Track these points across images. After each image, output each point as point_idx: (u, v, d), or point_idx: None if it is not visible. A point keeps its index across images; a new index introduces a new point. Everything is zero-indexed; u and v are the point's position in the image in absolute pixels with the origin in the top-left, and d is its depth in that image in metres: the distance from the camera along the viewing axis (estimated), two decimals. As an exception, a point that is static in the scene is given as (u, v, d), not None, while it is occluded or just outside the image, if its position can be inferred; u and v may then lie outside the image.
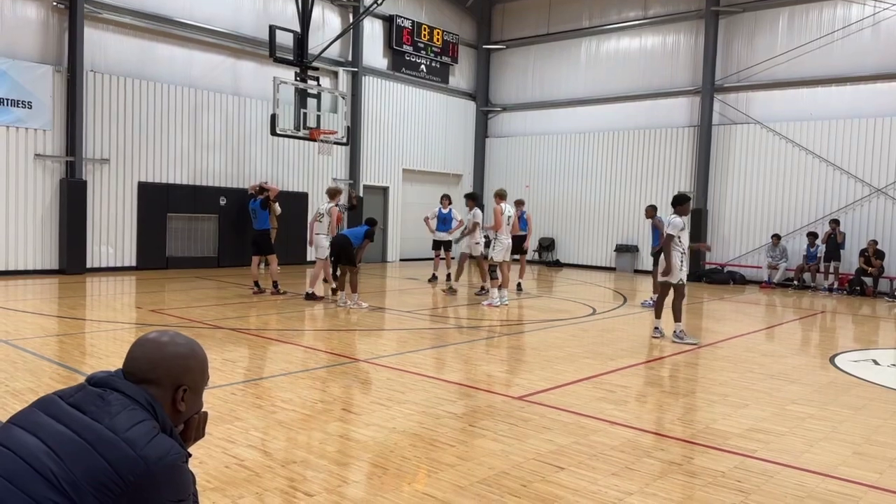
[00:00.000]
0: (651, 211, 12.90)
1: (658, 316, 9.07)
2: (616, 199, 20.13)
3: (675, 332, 8.85)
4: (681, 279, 8.87)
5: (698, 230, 18.26)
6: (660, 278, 9.09)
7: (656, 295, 12.29)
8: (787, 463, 4.44)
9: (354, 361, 7.13)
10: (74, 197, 13.97)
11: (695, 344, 8.64)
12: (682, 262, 8.86)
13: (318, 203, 17.33)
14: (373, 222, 11.53)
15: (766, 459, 4.48)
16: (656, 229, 12.50)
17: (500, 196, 12.07)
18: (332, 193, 12.15)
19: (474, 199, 13.12)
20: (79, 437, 1.65)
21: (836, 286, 15.84)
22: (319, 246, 11.87)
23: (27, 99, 13.46)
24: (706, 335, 9.77)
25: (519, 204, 14.04)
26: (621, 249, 19.75)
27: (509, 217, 12.08)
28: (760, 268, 17.15)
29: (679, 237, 8.83)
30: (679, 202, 8.95)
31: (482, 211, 13.55)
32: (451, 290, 13.07)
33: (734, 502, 3.78)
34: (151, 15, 15.09)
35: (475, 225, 12.87)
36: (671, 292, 8.97)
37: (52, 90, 13.76)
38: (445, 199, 15.37)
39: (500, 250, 11.81)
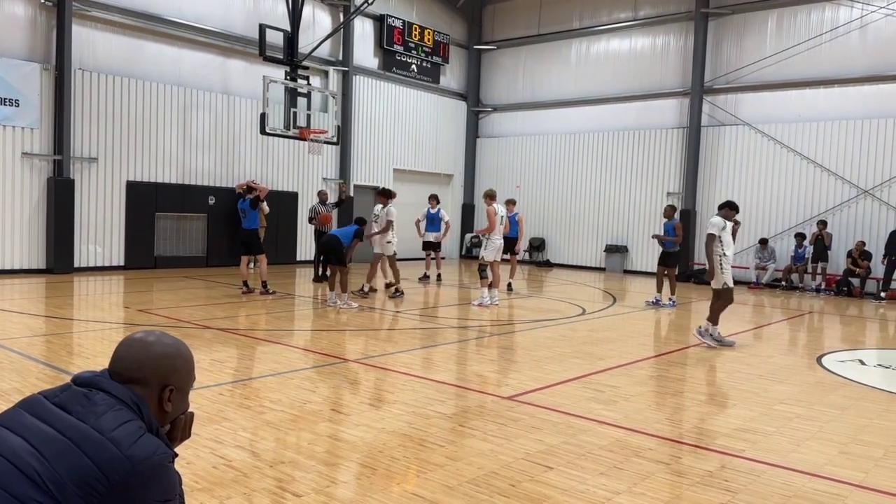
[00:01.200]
0: (670, 211, 12.93)
1: (714, 322, 8.69)
2: (606, 200, 20.20)
3: (700, 327, 8.69)
4: (725, 283, 8.55)
5: (687, 231, 18.35)
6: (713, 285, 8.76)
7: (660, 293, 12.49)
8: (774, 462, 4.46)
9: (344, 362, 7.12)
10: (62, 196, 13.87)
11: (716, 345, 8.46)
12: (723, 264, 8.52)
13: (308, 202, 17.34)
14: (362, 221, 11.53)
15: (753, 459, 4.51)
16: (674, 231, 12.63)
17: (491, 197, 12.05)
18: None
19: (387, 196, 12.60)
20: (64, 436, 1.64)
21: (823, 287, 15.96)
22: (381, 245, 12.37)
23: (14, 97, 13.35)
24: (694, 335, 9.81)
25: (510, 204, 14.05)
26: (611, 250, 19.82)
27: (502, 217, 12.09)
28: (748, 268, 17.25)
29: (720, 237, 8.52)
30: (727, 206, 8.71)
31: (395, 208, 12.72)
32: (364, 293, 12.31)
33: (721, 502, 3.80)
34: (140, 13, 15.00)
35: (388, 223, 12.36)
36: (722, 297, 8.64)
37: (39, 88, 13.66)
38: (433, 200, 15.39)
39: (492, 250, 11.82)
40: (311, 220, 14.65)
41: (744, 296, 15.26)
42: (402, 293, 12.33)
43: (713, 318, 8.64)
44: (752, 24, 17.66)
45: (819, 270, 15.95)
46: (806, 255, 16.28)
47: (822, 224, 15.96)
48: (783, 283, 16.67)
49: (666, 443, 4.83)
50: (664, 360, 7.89)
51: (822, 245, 15.80)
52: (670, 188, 18.92)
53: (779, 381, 6.87)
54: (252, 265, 12.54)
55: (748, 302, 14.23)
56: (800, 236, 16.35)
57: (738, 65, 17.79)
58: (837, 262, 16.01)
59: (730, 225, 8.73)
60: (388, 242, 12.57)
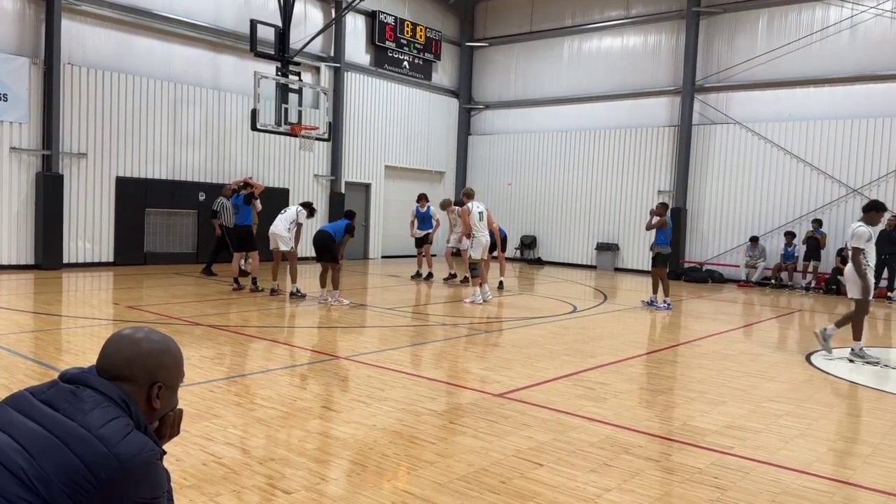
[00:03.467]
0: (662, 209, 12.50)
1: (857, 338, 7.99)
2: (597, 198, 20.23)
3: (852, 350, 8.01)
4: (865, 294, 7.92)
5: (678, 229, 18.43)
6: (856, 295, 8.05)
7: (655, 294, 12.38)
8: (763, 459, 4.49)
9: (335, 359, 7.11)
10: (51, 191, 13.77)
11: (874, 361, 7.85)
12: (868, 276, 7.93)
13: (300, 197, 17.26)
14: (351, 215, 11.43)
15: (742, 456, 4.53)
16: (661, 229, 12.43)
17: (468, 195, 12.03)
18: (444, 205, 13.98)
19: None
20: (51, 434, 1.63)
21: (813, 285, 16.05)
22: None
23: (2, 91, 13.24)
24: (685, 333, 9.86)
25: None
26: (602, 248, 19.86)
27: (480, 213, 12.04)
28: (738, 266, 17.33)
29: (866, 250, 7.87)
30: (872, 208, 8.03)
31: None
32: (277, 293, 11.57)
33: (711, 498, 3.82)
34: (130, 7, 14.89)
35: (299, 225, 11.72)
36: (864, 309, 8.02)
37: (28, 83, 13.54)
38: (423, 199, 15.37)
39: (478, 248, 11.82)
40: (214, 214, 14.22)
41: (734, 293, 15.33)
42: (300, 292, 11.50)
43: (858, 335, 8.00)
44: (744, 23, 17.72)
45: (811, 269, 16.03)
46: (795, 254, 16.36)
47: (817, 223, 16.04)
48: (773, 281, 16.76)
49: (656, 440, 4.84)
50: (654, 357, 7.92)
51: (814, 244, 15.88)
52: (661, 186, 18.98)
53: (768, 378, 6.91)
54: (243, 262, 12.50)
55: (738, 300, 14.30)
56: (789, 235, 16.44)
57: (729, 63, 17.85)
58: (827, 260, 16.10)
59: (876, 231, 8.08)
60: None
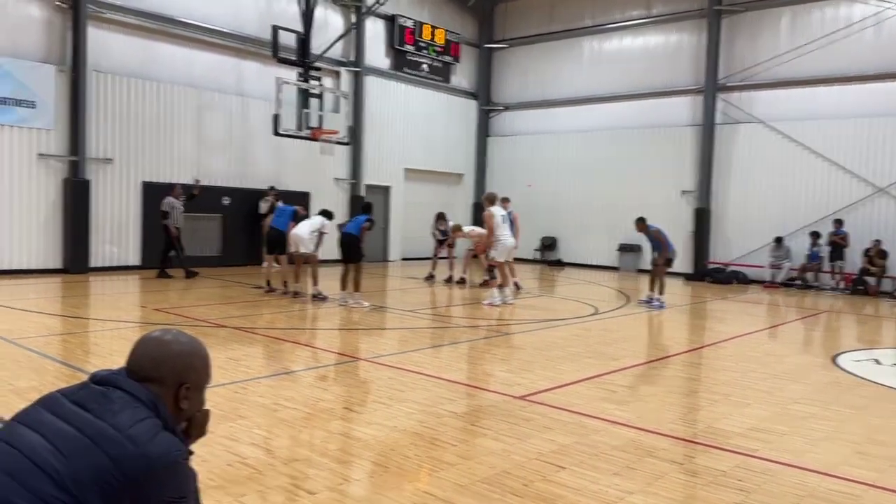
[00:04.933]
0: (641, 224, 12.42)
1: None
2: (619, 199, 20.07)
3: None
4: None
5: (702, 230, 18.27)
6: None
7: (652, 293, 12.35)
8: (788, 462, 4.44)
9: (356, 360, 7.15)
10: (78, 196, 14.00)
11: None
12: None
13: (320, 203, 17.41)
14: (369, 208, 11.58)
15: (767, 459, 4.49)
16: (655, 240, 12.40)
17: (490, 200, 11.97)
18: (454, 230, 14.13)
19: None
20: (82, 434, 1.67)
21: (839, 286, 15.81)
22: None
23: (30, 98, 13.49)
24: (709, 335, 9.78)
25: (505, 202, 14.06)
26: (624, 249, 19.73)
27: (504, 216, 11.99)
28: (763, 267, 17.13)
29: None
30: None
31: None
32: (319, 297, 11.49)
33: (735, 502, 3.79)
34: (154, 14, 15.12)
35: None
36: None
37: (55, 90, 13.79)
38: (441, 220, 15.34)
39: (502, 251, 11.77)
40: (164, 215, 13.77)
41: (758, 294, 15.16)
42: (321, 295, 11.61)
43: None
44: (766, 21, 17.53)
45: (836, 269, 15.81)
46: (821, 254, 16.14)
47: (838, 223, 15.82)
48: (798, 281, 16.54)
49: (679, 443, 4.81)
50: (678, 359, 7.86)
51: (838, 245, 15.66)
52: (684, 186, 18.82)
53: (793, 380, 6.83)
54: (275, 264, 12.63)
55: (763, 301, 14.14)
56: (815, 235, 16.22)
57: (751, 62, 17.66)
58: (854, 260, 15.86)
59: None
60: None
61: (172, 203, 13.89)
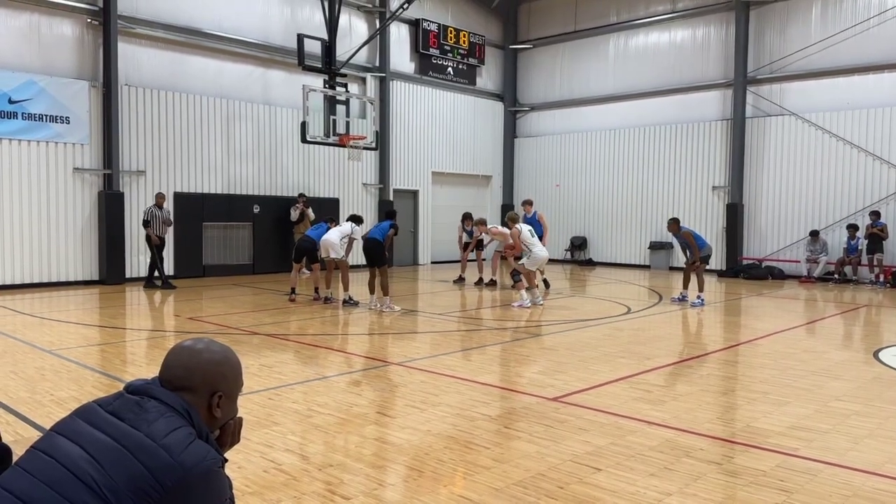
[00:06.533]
0: (674, 225, 12.26)
1: None
2: (649, 196, 19.89)
3: None
4: None
5: (734, 225, 17.98)
6: None
7: (685, 291, 12.21)
8: (831, 461, 4.33)
9: (388, 365, 7.16)
10: (112, 209, 14.28)
11: None
12: None
13: (350, 209, 17.53)
14: (393, 214, 11.71)
15: (809, 458, 4.38)
16: (685, 241, 12.26)
17: (513, 220, 11.89)
18: (478, 223, 14.25)
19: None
20: (118, 444, 1.69)
21: (879, 279, 15.43)
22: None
23: (65, 114, 13.81)
24: (745, 332, 9.61)
25: (527, 205, 14.01)
26: (655, 247, 19.51)
27: (530, 230, 11.88)
28: (799, 262, 16.79)
29: None
30: None
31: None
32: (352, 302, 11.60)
33: (777, 502, 3.70)
34: (183, 28, 15.37)
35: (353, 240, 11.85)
36: None
37: (88, 105, 14.10)
38: (468, 219, 15.32)
39: (535, 261, 11.63)
40: (146, 223, 13.70)
41: (795, 290, 14.86)
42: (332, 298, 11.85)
43: None
44: (796, 11, 17.21)
45: (875, 262, 15.43)
46: (859, 247, 15.77)
47: (876, 215, 15.45)
48: (836, 276, 16.18)
49: (717, 442, 4.73)
50: (714, 357, 7.73)
51: (876, 236, 15.29)
52: (715, 182, 18.56)
53: (834, 377, 6.67)
54: (306, 271, 12.72)
55: (800, 296, 13.85)
56: (852, 227, 15.84)
57: (781, 53, 17.35)
58: (893, 252, 15.46)
59: None
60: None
61: (155, 212, 13.74)
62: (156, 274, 13.86)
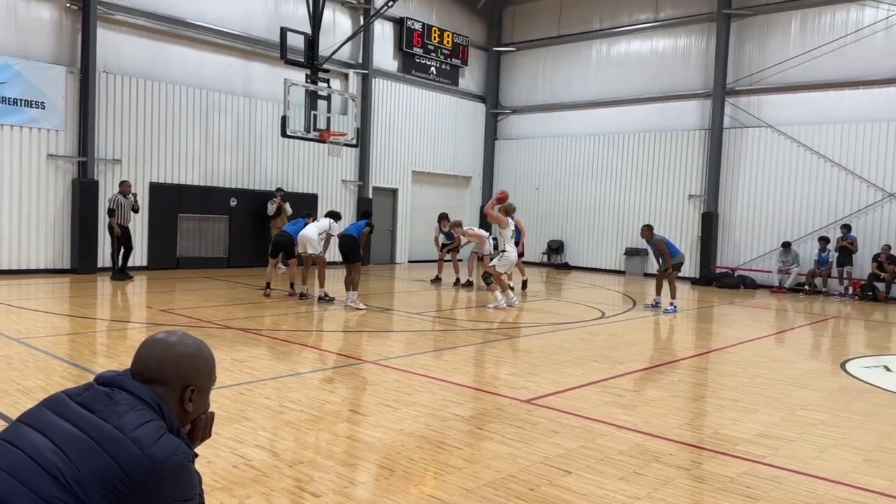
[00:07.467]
0: (647, 232, 12.33)
1: None
2: (626, 202, 20.07)
3: None
4: None
5: (709, 234, 18.20)
6: None
7: (658, 298, 12.35)
8: (796, 469, 4.40)
9: (362, 363, 7.14)
10: (86, 197, 14.06)
11: None
12: None
13: (328, 204, 17.45)
14: (368, 214, 11.86)
15: (775, 465, 4.45)
16: (657, 249, 12.36)
17: (508, 210, 12.00)
18: (453, 226, 14.51)
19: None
20: (86, 435, 1.66)
21: (848, 291, 15.72)
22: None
23: (40, 99, 13.57)
24: (716, 339, 9.73)
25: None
26: (631, 253, 19.68)
27: (513, 231, 11.91)
28: (771, 272, 17.05)
29: None
30: None
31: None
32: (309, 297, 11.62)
33: (743, 508, 3.75)
34: (164, 16, 15.18)
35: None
36: None
37: (64, 91, 13.86)
38: (444, 220, 15.32)
39: (506, 263, 11.66)
40: (111, 212, 13.36)
41: (766, 300, 15.08)
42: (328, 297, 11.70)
43: None
44: (776, 24, 17.47)
45: (844, 275, 15.72)
46: (830, 259, 16.05)
47: (846, 228, 15.73)
48: (806, 287, 16.45)
49: (686, 448, 4.78)
50: (685, 364, 7.82)
51: (846, 249, 15.58)
52: (692, 191, 18.77)
53: (801, 386, 6.78)
54: (282, 266, 12.57)
55: (771, 306, 14.07)
56: (823, 240, 16.12)
57: (760, 66, 17.61)
58: (863, 266, 15.77)
59: None
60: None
61: (120, 201, 13.41)
62: (119, 264, 13.53)
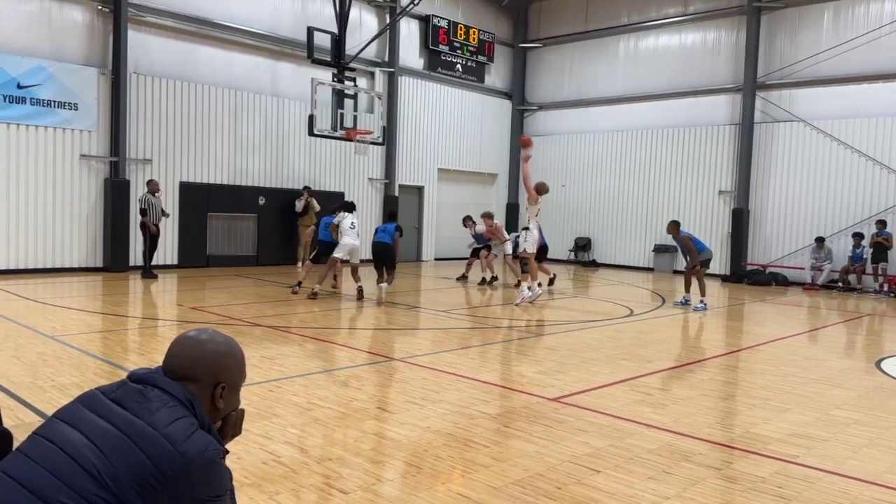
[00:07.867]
0: (674, 228, 12.19)
1: None
2: (655, 199, 19.86)
3: None
4: None
5: (740, 231, 17.94)
6: None
7: (687, 295, 12.22)
8: (829, 469, 4.33)
9: (390, 360, 7.17)
10: (118, 196, 14.30)
11: None
12: None
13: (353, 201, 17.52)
14: (394, 216, 12.02)
15: (807, 465, 4.38)
16: (684, 246, 12.25)
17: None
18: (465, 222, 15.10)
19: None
20: (120, 432, 1.69)
21: (883, 288, 15.38)
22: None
23: (73, 101, 13.83)
24: (747, 337, 9.59)
25: (487, 217, 14.43)
26: (660, 250, 19.48)
27: (538, 210, 12.01)
28: (804, 269, 16.75)
29: None
30: None
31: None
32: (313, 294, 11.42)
33: (775, 509, 3.70)
34: (193, 17, 15.37)
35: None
36: None
37: (96, 92, 14.11)
38: (470, 222, 15.25)
39: (531, 241, 11.71)
40: (143, 212, 13.42)
41: (798, 297, 14.83)
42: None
43: None
44: (807, 17, 17.14)
45: (879, 271, 15.39)
46: (864, 256, 15.72)
47: (881, 224, 15.40)
48: (840, 284, 16.14)
49: (717, 447, 4.73)
50: (715, 362, 7.72)
51: (881, 245, 15.25)
52: (722, 186, 18.51)
53: (835, 385, 6.66)
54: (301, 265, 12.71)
55: (803, 303, 13.83)
56: (857, 236, 15.80)
57: (792, 60, 17.29)
58: (898, 262, 15.43)
59: None
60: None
61: (150, 200, 13.53)
62: (151, 263, 13.72)
